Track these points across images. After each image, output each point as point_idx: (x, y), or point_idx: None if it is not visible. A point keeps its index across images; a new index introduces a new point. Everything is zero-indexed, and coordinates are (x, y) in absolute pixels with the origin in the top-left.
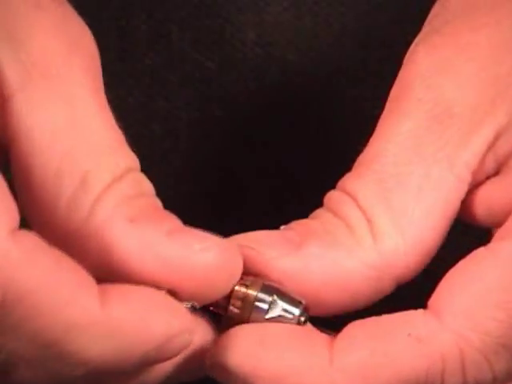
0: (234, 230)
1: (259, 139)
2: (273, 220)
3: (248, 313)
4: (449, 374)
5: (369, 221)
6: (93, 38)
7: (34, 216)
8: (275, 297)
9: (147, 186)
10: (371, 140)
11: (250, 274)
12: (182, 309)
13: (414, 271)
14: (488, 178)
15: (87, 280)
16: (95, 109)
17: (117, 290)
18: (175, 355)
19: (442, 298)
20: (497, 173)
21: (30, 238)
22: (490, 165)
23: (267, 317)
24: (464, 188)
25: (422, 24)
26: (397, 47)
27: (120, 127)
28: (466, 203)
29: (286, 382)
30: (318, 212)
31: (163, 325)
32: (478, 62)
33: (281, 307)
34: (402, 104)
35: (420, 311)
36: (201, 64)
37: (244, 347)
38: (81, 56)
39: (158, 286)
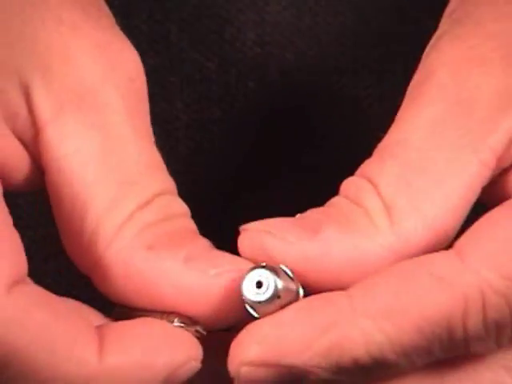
0: (234, 232)
1: (259, 139)
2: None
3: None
4: (470, 314)
5: (388, 207)
6: (136, 56)
7: (65, 243)
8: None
9: (177, 208)
10: (393, 126)
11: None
12: (185, 337)
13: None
14: None
15: (85, 331)
16: (129, 135)
17: (115, 333)
18: (181, 382)
19: (467, 241)
20: None
21: (28, 293)
22: None
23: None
24: (487, 173)
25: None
26: (396, 46)
27: None
28: (491, 188)
29: (318, 344)
30: (335, 200)
31: (166, 359)
32: (503, 50)
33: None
34: (426, 90)
35: (444, 252)
36: (201, 64)
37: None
38: (118, 79)
39: (173, 312)
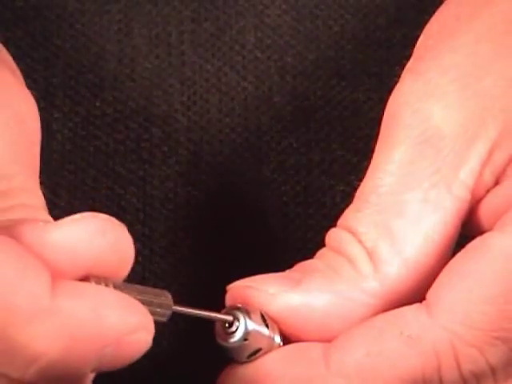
0: (234, 233)
1: (258, 142)
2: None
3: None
4: (445, 370)
5: (370, 253)
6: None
7: None
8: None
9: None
10: (368, 172)
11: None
12: (139, 306)
13: (417, 296)
14: (488, 191)
15: (38, 266)
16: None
17: (69, 285)
18: (133, 356)
19: (435, 292)
20: (496, 184)
21: None
22: (488, 178)
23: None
24: (464, 207)
25: (422, 26)
26: (396, 49)
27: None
28: (471, 218)
29: None
30: (321, 252)
31: (117, 319)
32: (461, 81)
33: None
34: (392, 132)
35: (412, 307)
36: (200, 67)
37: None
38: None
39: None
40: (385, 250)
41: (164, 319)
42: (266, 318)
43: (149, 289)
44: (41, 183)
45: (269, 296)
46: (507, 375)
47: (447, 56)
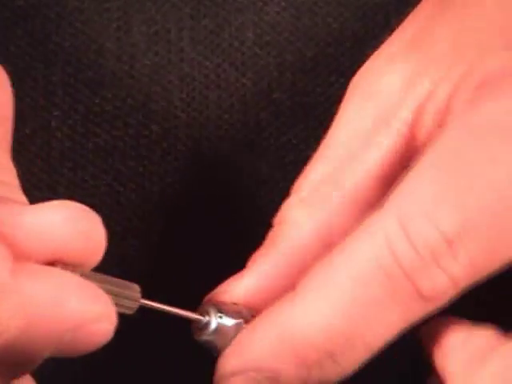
0: (232, 229)
1: (257, 138)
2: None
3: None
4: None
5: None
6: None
7: None
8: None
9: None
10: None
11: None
12: (102, 296)
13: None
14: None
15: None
16: None
17: (33, 267)
18: (93, 345)
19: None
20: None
21: None
22: (429, 117)
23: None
24: (402, 142)
25: None
26: None
27: (119, 128)
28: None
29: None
30: None
31: (78, 306)
32: (409, 40)
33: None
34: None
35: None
36: (199, 64)
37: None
38: None
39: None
40: (323, 191)
41: (130, 312)
42: (241, 308)
43: (119, 280)
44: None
45: (225, 292)
46: (465, 248)
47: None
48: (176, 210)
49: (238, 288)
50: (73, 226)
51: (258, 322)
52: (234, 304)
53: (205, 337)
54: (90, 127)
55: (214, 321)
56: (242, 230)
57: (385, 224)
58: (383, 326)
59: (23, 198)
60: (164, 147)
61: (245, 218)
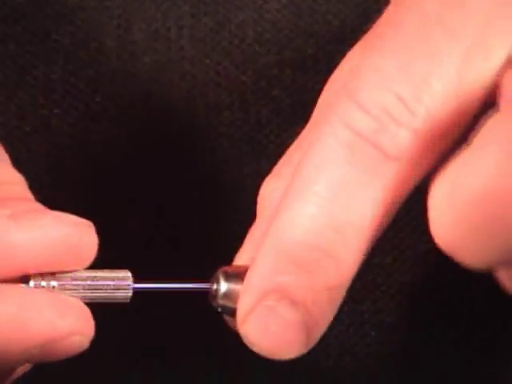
0: (233, 226)
1: (257, 136)
2: None
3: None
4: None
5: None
6: None
7: None
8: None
9: (8, 176)
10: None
11: None
12: (73, 309)
13: None
14: None
15: None
16: None
17: None
18: (66, 357)
19: None
20: None
21: None
22: None
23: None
24: None
25: None
26: None
27: (119, 126)
28: None
29: None
30: None
31: (44, 325)
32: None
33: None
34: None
35: None
36: (199, 62)
37: None
38: None
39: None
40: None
41: (126, 300)
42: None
43: (106, 273)
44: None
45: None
46: (423, 104)
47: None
48: (176, 208)
49: (243, 256)
50: (60, 246)
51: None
52: (242, 266)
53: (219, 302)
54: (90, 125)
55: (223, 285)
56: (243, 228)
57: (337, 109)
58: (364, 204)
59: (29, 195)
60: (164, 145)
61: (246, 215)
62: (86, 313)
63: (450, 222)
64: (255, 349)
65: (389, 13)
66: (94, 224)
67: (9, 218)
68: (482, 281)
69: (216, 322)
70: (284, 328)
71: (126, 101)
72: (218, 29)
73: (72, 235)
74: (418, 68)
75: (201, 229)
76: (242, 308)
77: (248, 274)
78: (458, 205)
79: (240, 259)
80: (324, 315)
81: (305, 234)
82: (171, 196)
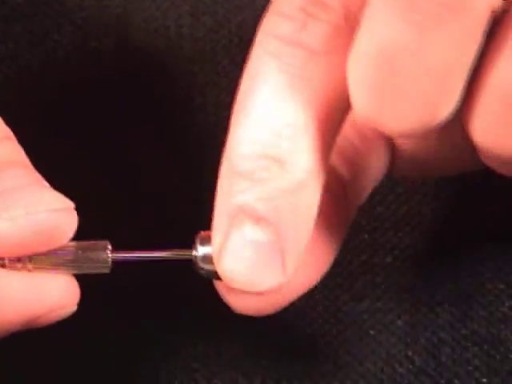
0: None
1: None
2: None
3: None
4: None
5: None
6: None
7: None
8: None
9: None
10: None
11: None
12: (52, 286)
13: None
14: None
15: None
16: None
17: None
18: (50, 324)
19: None
20: None
21: None
22: None
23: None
24: None
25: None
26: None
27: (118, 125)
28: None
29: None
30: None
31: (23, 308)
32: None
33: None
34: None
35: None
36: (199, 62)
37: None
38: None
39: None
40: None
41: (106, 271)
42: None
43: (84, 244)
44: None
45: None
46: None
47: None
48: (178, 212)
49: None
50: (33, 233)
51: None
52: None
53: (200, 267)
54: (90, 124)
55: (201, 249)
56: None
57: (262, 23)
58: (300, 104)
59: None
60: (164, 144)
61: None
62: (69, 285)
63: (361, 87)
64: (235, 285)
65: None
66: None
67: None
68: (481, 281)
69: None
70: (256, 251)
71: (125, 100)
72: (218, 28)
73: (52, 221)
74: None
75: (199, 230)
76: (215, 246)
77: (214, 208)
78: (362, 67)
79: None
80: (294, 229)
81: (251, 146)
82: (171, 197)
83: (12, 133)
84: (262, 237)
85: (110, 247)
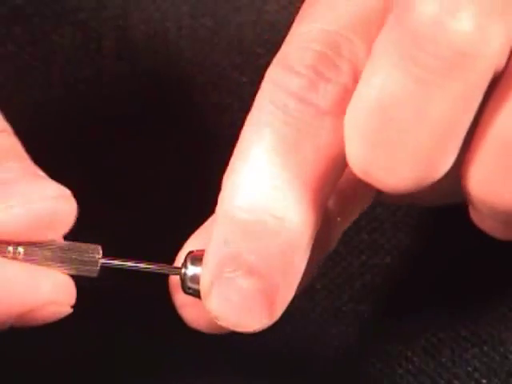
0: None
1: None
2: None
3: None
4: None
5: None
6: None
7: None
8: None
9: None
10: None
11: None
12: (48, 280)
13: None
14: None
15: None
16: None
17: None
18: (43, 323)
19: None
20: None
21: None
22: None
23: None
24: None
25: None
26: None
27: (118, 126)
28: None
29: None
30: None
31: (17, 297)
32: None
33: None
34: None
35: None
36: (198, 63)
37: None
38: None
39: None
40: None
41: (94, 274)
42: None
43: (77, 244)
44: None
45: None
46: (348, 50)
47: None
48: (177, 214)
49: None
50: (32, 221)
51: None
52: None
53: (187, 285)
54: (89, 126)
55: (190, 269)
56: None
57: (269, 74)
58: (302, 160)
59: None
60: (163, 146)
61: None
62: (64, 283)
63: (357, 138)
64: (221, 323)
65: None
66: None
67: None
68: (480, 283)
69: None
70: (244, 298)
71: (124, 101)
72: (217, 30)
73: (49, 209)
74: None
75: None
76: (203, 284)
77: (206, 250)
78: (360, 119)
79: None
80: (285, 280)
81: (248, 198)
82: (170, 198)
83: (9, 127)
84: (251, 286)
85: (100, 252)
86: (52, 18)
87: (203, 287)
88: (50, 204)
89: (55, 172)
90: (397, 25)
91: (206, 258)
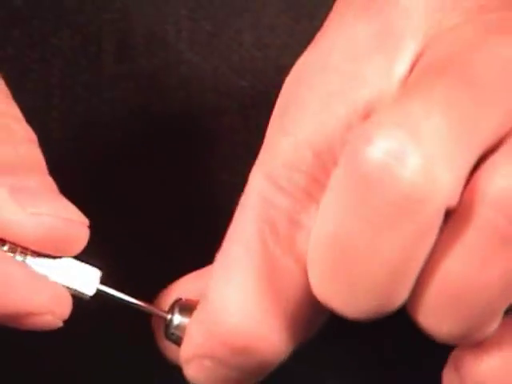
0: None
1: (256, 141)
2: None
3: None
4: None
5: None
6: None
7: None
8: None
9: (21, 133)
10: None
11: None
12: (47, 289)
13: None
14: None
15: None
16: None
17: None
18: (40, 330)
19: None
20: None
21: None
22: None
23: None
24: None
25: None
26: None
27: (117, 130)
28: None
29: None
30: None
31: (15, 299)
32: None
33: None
34: None
35: None
36: (197, 66)
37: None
38: None
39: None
40: None
41: (86, 297)
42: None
43: (78, 264)
44: None
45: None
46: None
47: None
48: (176, 215)
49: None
50: (45, 236)
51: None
52: (197, 301)
53: (170, 333)
54: (89, 129)
55: (176, 317)
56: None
57: (255, 185)
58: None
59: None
60: (162, 149)
61: None
62: (63, 295)
63: (317, 273)
64: None
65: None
66: (92, 226)
67: (10, 192)
68: None
69: None
70: (215, 378)
71: (124, 105)
72: (217, 33)
73: (63, 230)
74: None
75: (198, 232)
76: (184, 352)
77: (189, 330)
78: (320, 252)
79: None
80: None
81: (234, 316)
82: (170, 199)
83: (35, 136)
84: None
85: (99, 277)
86: (51, 20)
87: (184, 355)
88: (71, 226)
89: (54, 172)
90: (346, 167)
91: (187, 341)
